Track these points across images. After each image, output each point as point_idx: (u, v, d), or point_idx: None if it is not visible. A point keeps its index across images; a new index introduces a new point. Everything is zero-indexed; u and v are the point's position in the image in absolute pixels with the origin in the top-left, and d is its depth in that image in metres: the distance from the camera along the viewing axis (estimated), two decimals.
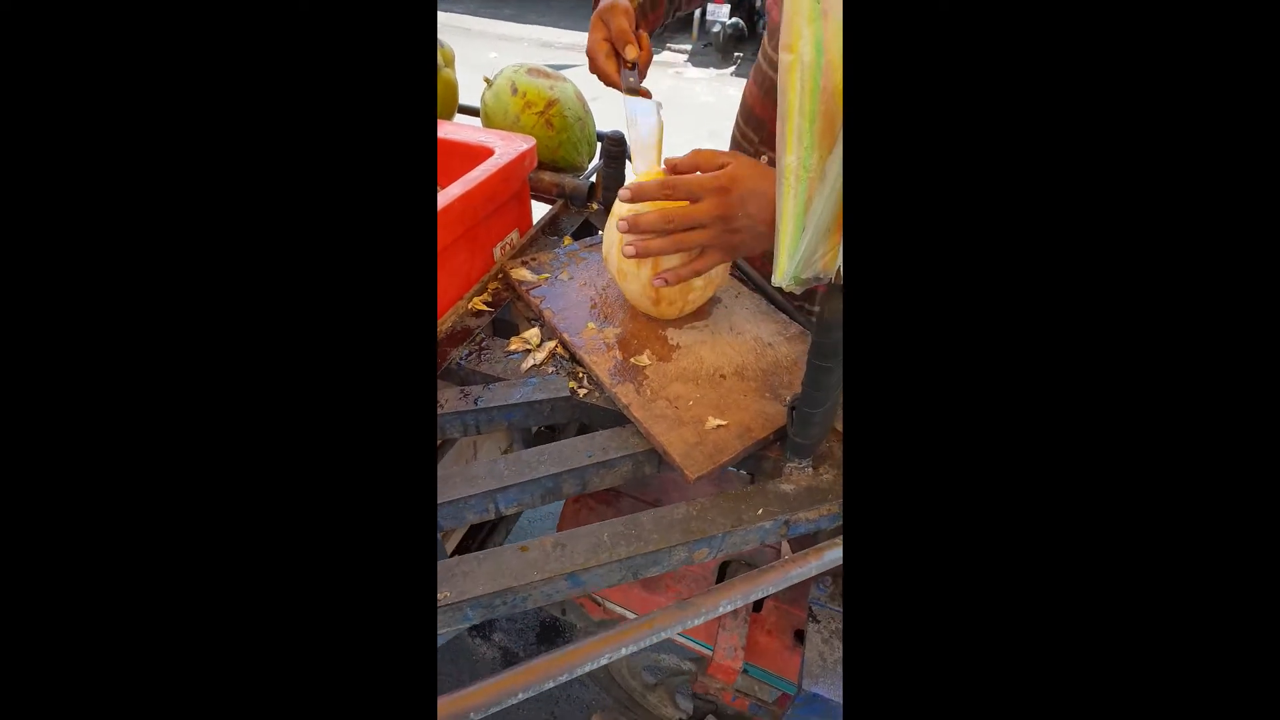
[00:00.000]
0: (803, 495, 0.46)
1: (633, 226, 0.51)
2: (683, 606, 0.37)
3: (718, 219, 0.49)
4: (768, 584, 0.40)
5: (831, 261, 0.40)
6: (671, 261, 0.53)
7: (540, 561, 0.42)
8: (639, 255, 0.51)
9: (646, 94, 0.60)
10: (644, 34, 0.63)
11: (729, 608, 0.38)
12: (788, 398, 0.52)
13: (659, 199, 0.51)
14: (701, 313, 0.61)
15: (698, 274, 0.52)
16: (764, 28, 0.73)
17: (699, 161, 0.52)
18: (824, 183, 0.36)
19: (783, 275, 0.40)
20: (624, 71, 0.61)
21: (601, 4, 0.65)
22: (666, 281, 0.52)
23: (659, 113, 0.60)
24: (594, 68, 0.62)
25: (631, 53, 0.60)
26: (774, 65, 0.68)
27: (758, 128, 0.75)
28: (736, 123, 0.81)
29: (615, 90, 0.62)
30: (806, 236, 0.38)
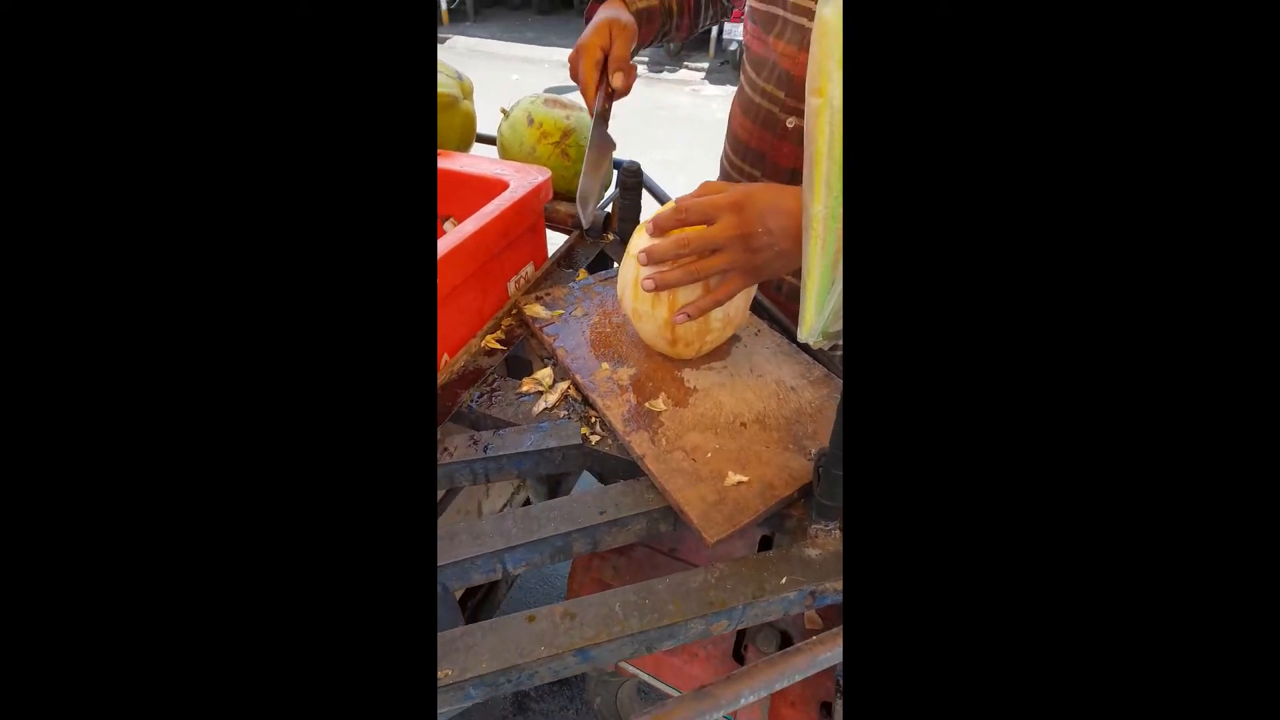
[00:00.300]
0: (830, 562, 0.43)
1: (649, 257, 0.48)
2: (699, 697, 0.34)
3: (735, 239, 0.46)
4: (794, 669, 0.36)
5: None
6: (691, 294, 0.50)
7: (549, 634, 0.39)
8: (658, 288, 0.48)
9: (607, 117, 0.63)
10: (633, 65, 0.63)
11: (750, 698, 0.35)
12: (812, 451, 0.48)
13: (674, 227, 0.49)
14: (720, 352, 0.58)
15: (719, 303, 0.49)
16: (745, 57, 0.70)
17: (709, 192, 0.49)
18: None
19: (809, 331, 0.37)
20: (602, 94, 0.62)
21: (612, 14, 0.64)
22: (689, 316, 0.49)
23: (612, 153, 0.66)
24: (576, 70, 0.62)
25: (620, 80, 0.60)
26: (758, 91, 0.65)
27: (745, 155, 0.71)
28: (724, 151, 0.77)
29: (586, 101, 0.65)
30: (836, 289, 0.35)
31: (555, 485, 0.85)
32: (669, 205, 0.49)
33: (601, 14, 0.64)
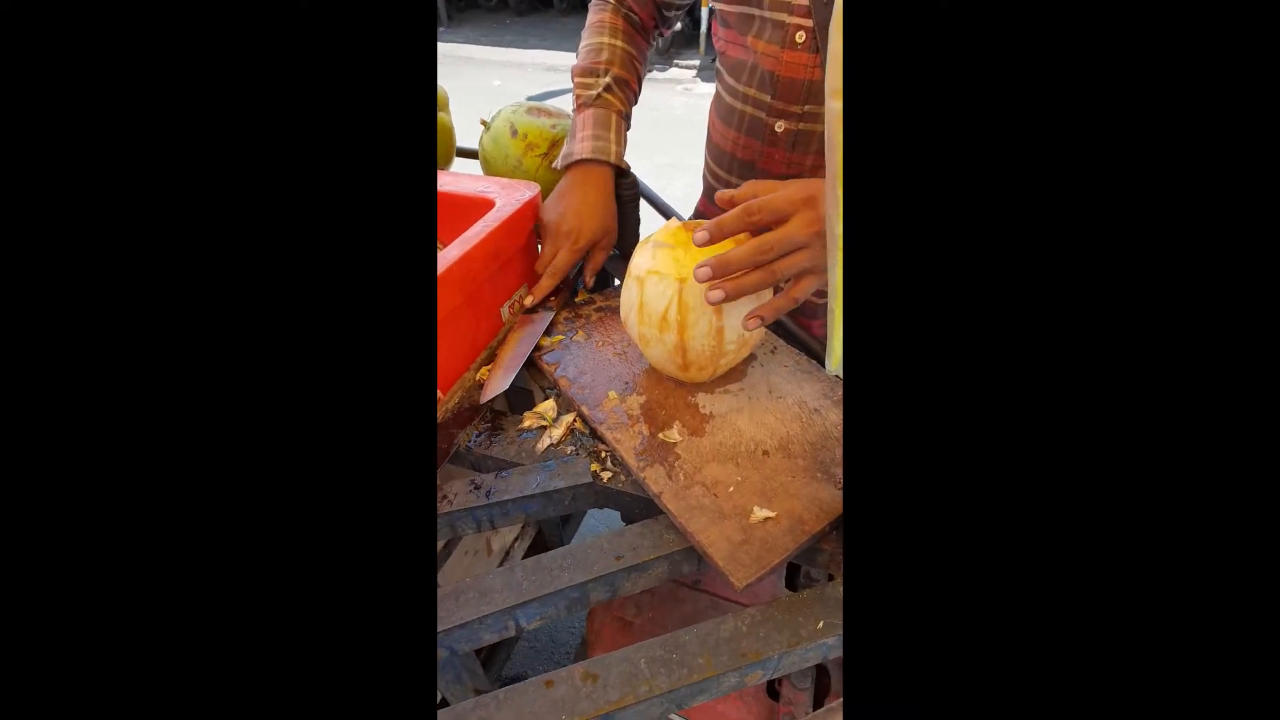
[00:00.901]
0: None
1: (723, 267, 0.43)
2: None
3: (816, 235, 0.42)
4: None
5: None
6: (753, 300, 0.46)
7: (569, 700, 0.36)
8: (732, 296, 0.43)
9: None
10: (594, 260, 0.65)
11: None
12: (842, 478, 0.45)
13: (742, 230, 0.44)
14: (735, 373, 0.55)
15: (796, 303, 0.45)
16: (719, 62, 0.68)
17: (758, 191, 0.45)
18: None
19: (839, 362, 0.33)
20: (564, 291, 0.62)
21: (606, 203, 0.64)
22: (763, 320, 0.45)
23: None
24: (548, 238, 0.62)
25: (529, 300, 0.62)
26: (739, 97, 0.62)
27: (731, 167, 0.68)
28: (706, 165, 0.74)
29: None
30: None
31: (565, 517, 0.82)
32: (735, 211, 0.44)
33: (592, 199, 0.64)
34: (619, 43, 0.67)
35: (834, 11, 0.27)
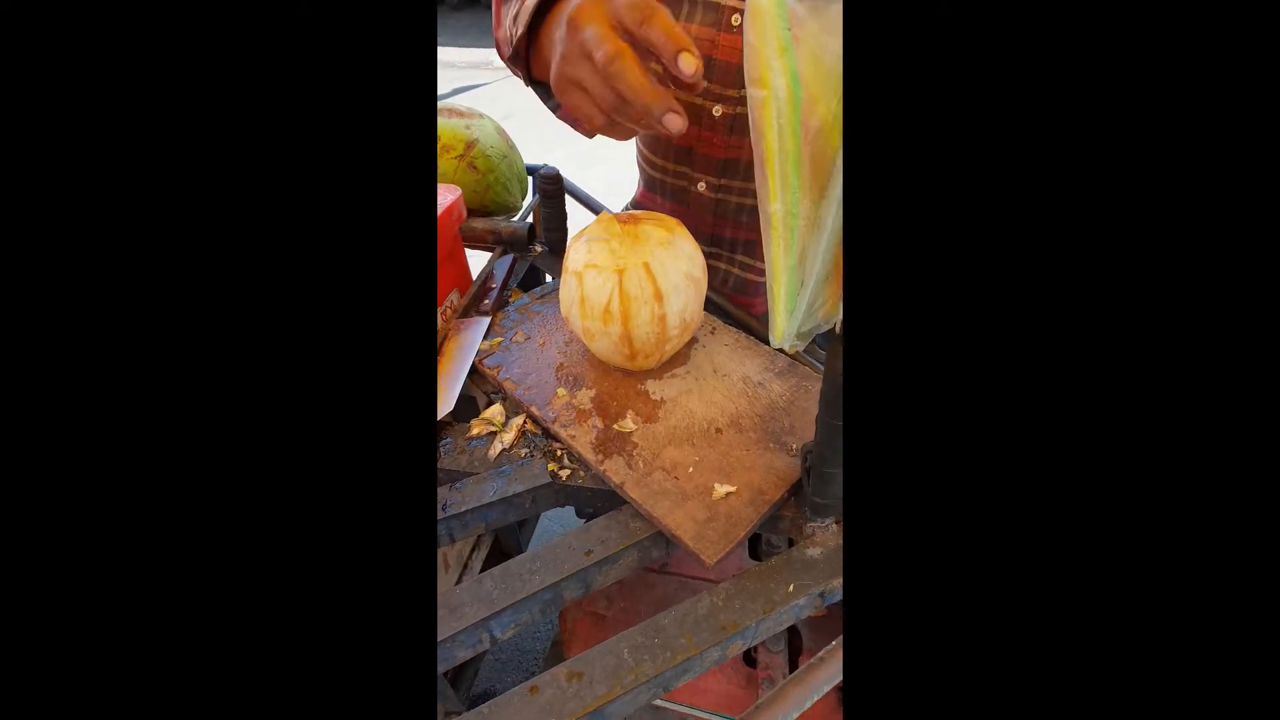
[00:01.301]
0: (832, 559, 0.42)
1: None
2: None
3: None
4: (824, 680, 0.35)
5: (832, 309, 0.35)
6: (645, 310, 0.47)
7: (557, 703, 0.36)
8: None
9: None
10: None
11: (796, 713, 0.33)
12: (794, 446, 0.47)
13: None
14: (680, 358, 0.55)
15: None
16: None
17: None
18: (819, 231, 0.31)
19: (782, 336, 0.35)
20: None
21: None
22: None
23: None
24: (630, 95, 0.34)
25: (691, 64, 0.33)
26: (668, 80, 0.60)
27: (668, 153, 0.65)
28: (640, 156, 0.70)
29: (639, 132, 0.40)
30: (808, 290, 0.33)
31: (521, 521, 0.80)
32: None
33: None
34: None
35: (747, 5, 0.28)
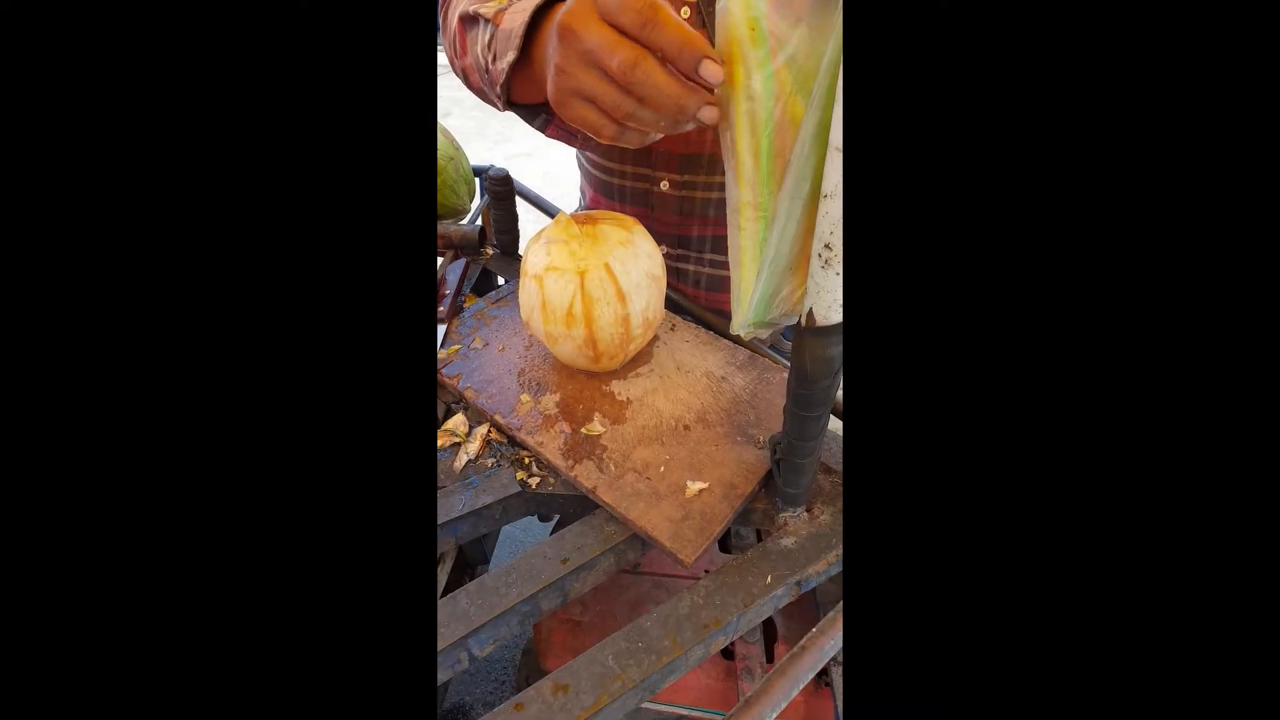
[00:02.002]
0: (806, 546, 0.43)
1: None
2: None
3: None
4: (807, 667, 0.35)
5: (798, 301, 0.36)
6: (609, 312, 0.46)
7: (544, 719, 0.35)
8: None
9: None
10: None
11: (782, 705, 0.33)
12: (761, 439, 0.47)
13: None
14: (643, 356, 0.55)
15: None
16: None
17: None
18: (776, 220, 0.31)
19: (742, 322, 0.35)
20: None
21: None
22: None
23: None
24: (662, 99, 0.31)
25: (716, 72, 0.29)
26: None
27: (624, 153, 0.61)
28: (585, 159, 0.68)
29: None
30: (763, 278, 0.33)
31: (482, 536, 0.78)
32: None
33: None
34: None
35: (717, 7, 0.28)
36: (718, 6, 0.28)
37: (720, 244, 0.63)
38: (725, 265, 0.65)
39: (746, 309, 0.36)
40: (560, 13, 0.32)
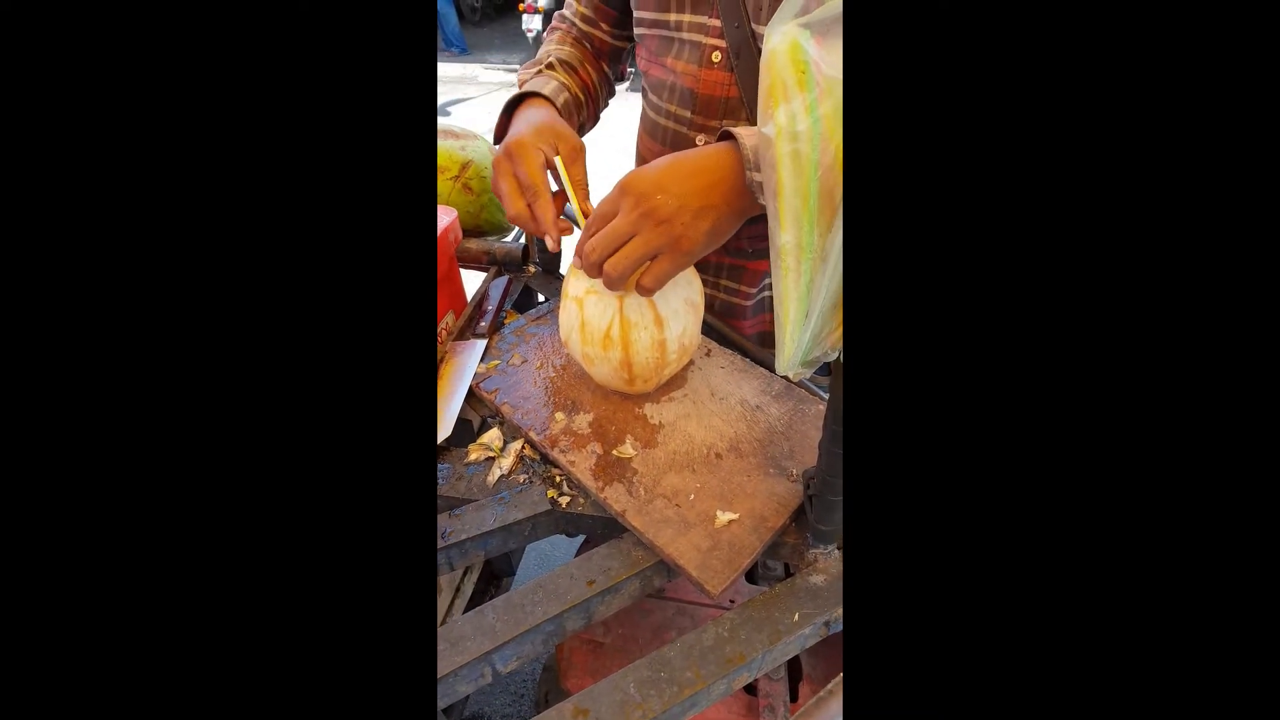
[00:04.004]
0: (836, 585, 0.42)
1: (584, 267, 0.45)
2: None
3: (639, 218, 0.42)
4: (837, 710, 0.35)
5: (838, 339, 0.36)
6: (641, 315, 0.47)
7: None
8: (613, 289, 0.45)
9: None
10: (574, 173, 0.52)
11: None
12: (794, 472, 0.47)
13: (587, 244, 0.45)
14: (677, 380, 0.55)
15: (660, 280, 0.44)
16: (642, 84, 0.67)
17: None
18: (825, 262, 0.31)
19: (788, 363, 0.35)
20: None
21: (549, 118, 0.54)
22: (648, 290, 0.44)
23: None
24: (515, 176, 0.51)
25: (551, 245, 0.51)
26: (663, 113, 0.62)
27: None
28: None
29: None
30: (813, 319, 0.33)
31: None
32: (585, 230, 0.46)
33: (533, 116, 0.55)
34: (565, 46, 0.66)
35: (764, 51, 0.29)
36: (765, 50, 0.28)
37: (736, 273, 0.65)
38: (739, 293, 0.66)
39: (794, 349, 0.36)
40: (502, 147, 0.53)
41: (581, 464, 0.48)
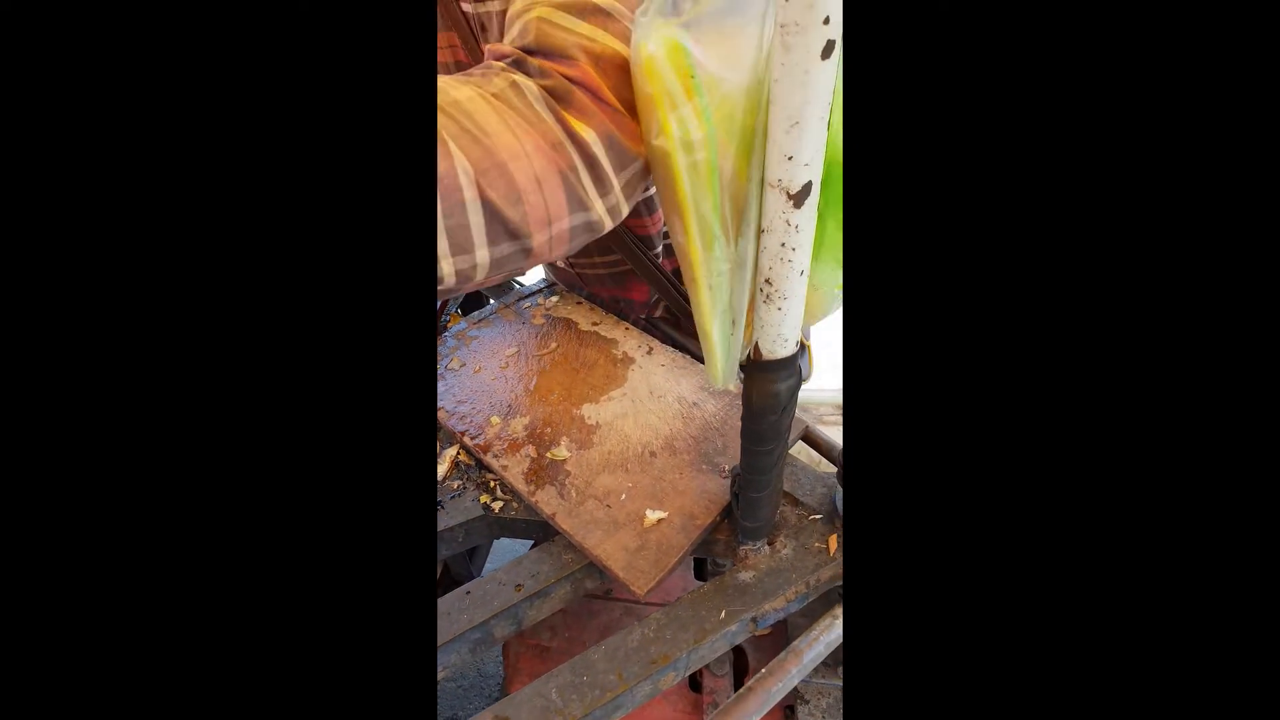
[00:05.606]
0: (765, 581, 0.42)
1: None
2: None
3: None
4: (772, 693, 0.34)
5: (749, 338, 0.35)
6: None
7: None
8: None
9: None
10: None
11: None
12: (726, 468, 0.47)
13: None
14: (618, 378, 0.55)
15: None
16: None
17: None
18: (744, 267, 0.31)
19: (721, 375, 0.35)
20: None
21: None
22: None
23: None
24: None
25: None
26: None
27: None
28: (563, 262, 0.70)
29: None
30: (739, 329, 0.33)
31: (471, 549, 0.79)
32: None
33: None
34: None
35: (640, 60, 0.27)
36: (637, 55, 0.27)
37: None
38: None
39: (725, 361, 0.35)
40: None
41: (514, 468, 0.48)
